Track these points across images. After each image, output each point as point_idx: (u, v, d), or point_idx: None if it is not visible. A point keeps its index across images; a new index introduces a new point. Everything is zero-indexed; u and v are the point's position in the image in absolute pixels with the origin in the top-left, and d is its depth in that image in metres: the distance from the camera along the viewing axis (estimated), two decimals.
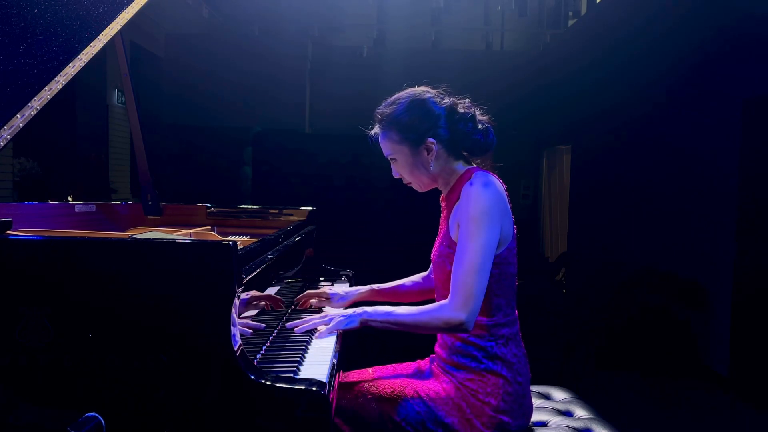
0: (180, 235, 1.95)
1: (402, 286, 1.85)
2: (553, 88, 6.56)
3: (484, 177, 1.45)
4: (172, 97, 6.81)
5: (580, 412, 1.66)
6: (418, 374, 1.62)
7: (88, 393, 1.12)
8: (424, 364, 1.67)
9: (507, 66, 7.06)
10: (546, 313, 5.20)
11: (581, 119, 6.01)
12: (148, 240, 1.32)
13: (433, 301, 1.56)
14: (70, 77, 1.43)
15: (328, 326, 1.53)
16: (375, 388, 1.51)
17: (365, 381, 1.55)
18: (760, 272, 3.34)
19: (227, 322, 1.14)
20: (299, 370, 1.31)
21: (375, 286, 1.86)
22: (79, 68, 1.45)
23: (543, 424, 1.60)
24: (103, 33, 1.56)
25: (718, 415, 3.22)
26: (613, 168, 5.35)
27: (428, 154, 1.52)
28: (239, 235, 2.28)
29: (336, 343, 1.48)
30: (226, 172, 6.35)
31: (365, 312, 1.49)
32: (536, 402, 1.71)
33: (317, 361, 1.36)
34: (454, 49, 7.63)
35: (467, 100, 1.57)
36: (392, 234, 5.40)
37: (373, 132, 1.62)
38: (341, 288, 1.99)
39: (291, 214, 2.61)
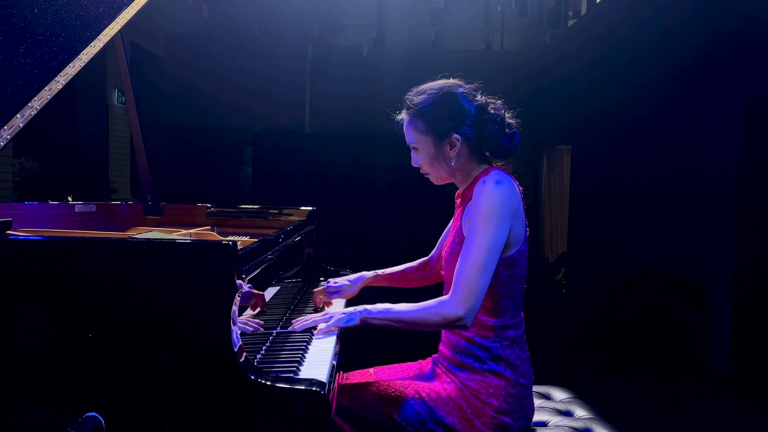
0: (180, 235, 1.95)
1: (406, 268, 1.86)
2: (553, 88, 6.57)
3: (498, 175, 1.44)
4: (172, 97, 6.81)
5: (580, 412, 1.66)
6: (419, 375, 1.62)
7: (88, 393, 1.12)
8: (425, 364, 1.67)
9: (507, 66, 7.07)
10: (546, 313, 5.20)
11: (581, 119, 6.01)
12: (148, 240, 1.32)
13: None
14: (70, 77, 1.43)
15: (328, 323, 1.52)
16: (376, 388, 1.51)
17: (366, 381, 1.55)
18: (760, 272, 3.35)
19: (227, 322, 1.14)
20: (299, 370, 1.31)
21: (380, 271, 1.86)
22: (79, 68, 1.45)
23: (543, 424, 1.60)
24: (103, 33, 1.56)
25: (718, 415, 3.22)
26: (613, 168, 5.36)
27: (451, 149, 1.50)
28: (239, 235, 2.28)
29: (336, 344, 1.48)
30: (226, 172, 6.36)
31: (365, 309, 1.48)
32: (536, 402, 1.71)
33: (317, 361, 1.36)
34: (454, 49, 7.64)
35: (499, 102, 1.55)
36: (392, 233, 5.41)
37: (399, 117, 1.58)
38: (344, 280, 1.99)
39: (291, 214, 2.61)
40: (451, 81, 1.55)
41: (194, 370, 1.13)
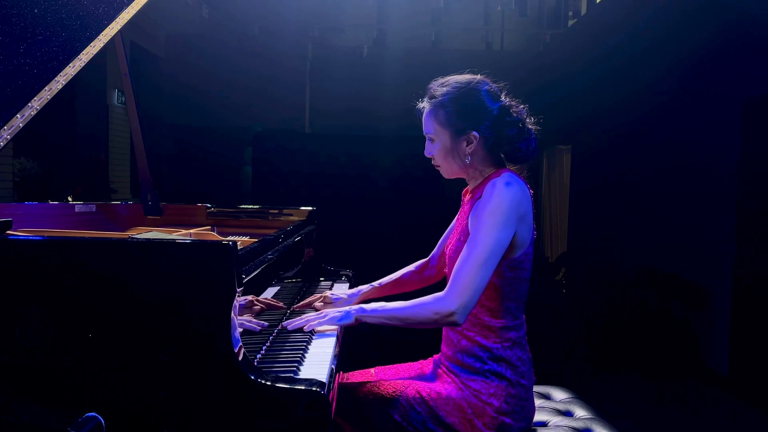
0: (180, 235, 1.95)
1: (403, 275, 1.84)
2: (553, 88, 6.56)
3: (509, 177, 1.43)
4: (172, 97, 6.81)
5: (580, 412, 1.66)
6: (420, 375, 1.62)
7: (87, 393, 1.12)
8: (426, 364, 1.67)
9: (507, 66, 7.04)
10: (546, 313, 5.20)
11: (581, 119, 6.01)
12: (148, 240, 1.32)
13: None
14: (70, 77, 1.43)
15: (322, 320, 1.50)
16: (376, 388, 1.51)
17: (367, 381, 1.55)
18: (760, 272, 3.34)
19: (227, 322, 1.14)
20: (299, 370, 1.31)
21: (376, 283, 1.84)
22: (79, 68, 1.45)
23: (543, 424, 1.60)
24: (103, 33, 1.56)
25: (718, 415, 3.22)
26: (613, 168, 5.36)
27: (467, 145, 1.49)
28: (239, 235, 2.28)
29: (336, 344, 1.48)
30: (226, 172, 6.36)
31: (360, 308, 1.48)
32: (536, 402, 1.71)
33: (317, 361, 1.36)
34: (454, 49, 7.63)
35: (522, 106, 1.54)
36: (392, 233, 5.40)
37: (420, 106, 1.56)
38: (342, 289, 1.98)
39: (291, 214, 2.60)
40: (478, 77, 1.53)
41: (194, 370, 1.13)
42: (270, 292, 1.78)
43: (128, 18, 1.65)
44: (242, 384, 1.13)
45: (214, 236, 2.15)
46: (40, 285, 1.13)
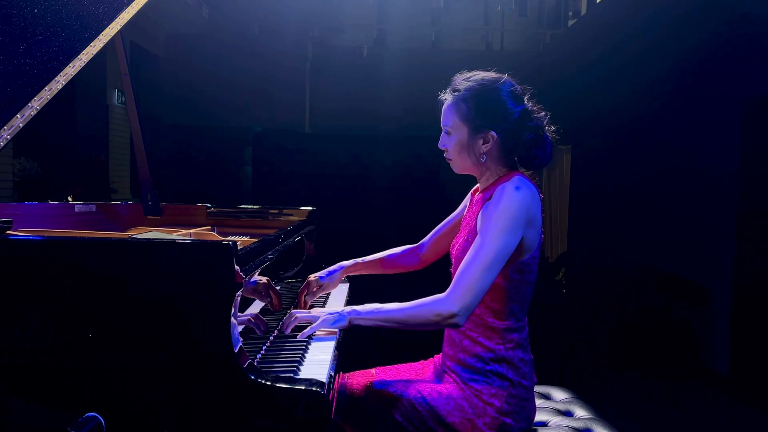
0: (180, 235, 1.95)
1: (387, 256, 1.84)
2: (553, 88, 6.55)
3: (519, 181, 1.42)
4: (172, 97, 6.81)
5: (580, 412, 1.66)
6: (421, 375, 1.61)
7: (87, 393, 1.12)
8: (427, 365, 1.66)
9: (507, 66, 7.02)
10: (546, 314, 5.20)
11: (581, 119, 6.01)
12: (148, 240, 1.32)
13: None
14: (70, 77, 1.43)
15: (313, 324, 1.48)
16: (377, 388, 1.50)
17: (367, 381, 1.54)
18: (760, 272, 3.34)
19: (227, 322, 1.14)
20: (299, 370, 1.31)
21: (359, 259, 1.84)
22: (79, 68, 1.45)
23: (543, 424, 1.60)
24: (103, 33, 1.56)
25: (718, 415, 3.22)
26: (613, 168, 5.35)
27: (483, 144, 1.47)
28: (239, 235, 2.28)
29: (336, 345, 1.48)
30: (226, 172, 6.35)
31: (354, 310, 1.46)
32: (536, 402, 1.71)
33: (317, 361, 1.36)
34: (454, 49, 7.63)
35: (544, 113, 1.52)
36: (392, 233, 5.40)
37: (442, 97, 1.54)
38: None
39: (291, 214, 2.60)
40: (504, 77, 1.51)
41: (194, 370, 1.13)
42: None
43: (128, 18, 1.65)
44: (242, 384, 1.13)
45: (214, 236, 2.15)
46: (40, 285, 1.13)
